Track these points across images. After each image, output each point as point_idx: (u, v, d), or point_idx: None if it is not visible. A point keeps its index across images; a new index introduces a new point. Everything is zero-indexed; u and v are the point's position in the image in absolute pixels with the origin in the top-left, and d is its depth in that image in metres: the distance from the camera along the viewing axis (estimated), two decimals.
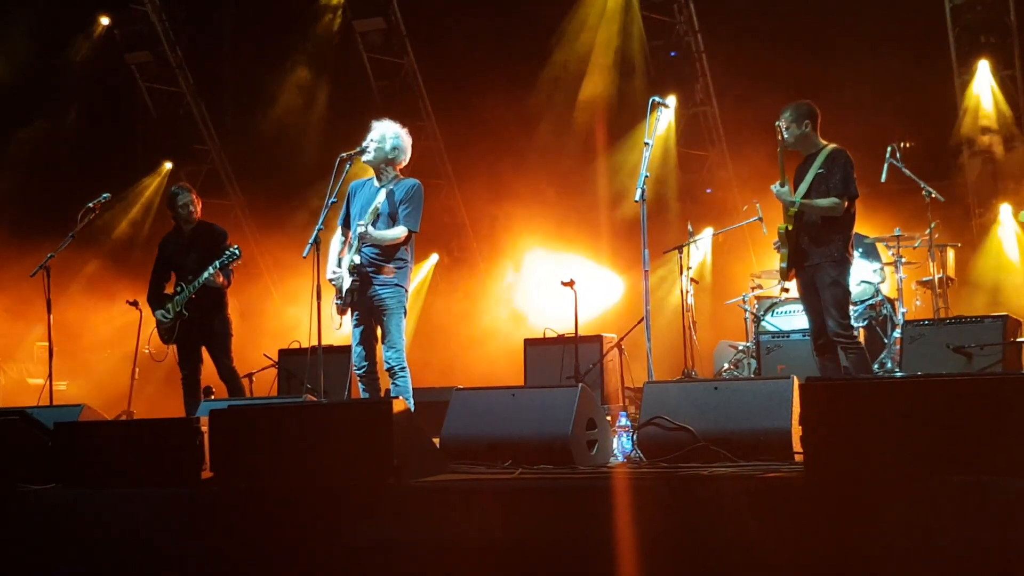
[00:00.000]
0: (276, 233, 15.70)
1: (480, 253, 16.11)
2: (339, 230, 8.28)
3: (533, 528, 5.42)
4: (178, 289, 9.42)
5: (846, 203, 7.64)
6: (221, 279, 9.31)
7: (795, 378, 6.08)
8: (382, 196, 7.98)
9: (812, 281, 7.71)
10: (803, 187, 7.75)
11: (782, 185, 7.74)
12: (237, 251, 9.34)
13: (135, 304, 10.34)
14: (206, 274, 9.18)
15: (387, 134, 8.12)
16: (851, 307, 10.23)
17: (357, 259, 7.91)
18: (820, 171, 7.72)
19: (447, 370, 13.42)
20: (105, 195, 9.40)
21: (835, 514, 4.91)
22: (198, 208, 9.61)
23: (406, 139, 8.22)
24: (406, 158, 8.23)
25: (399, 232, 7.93)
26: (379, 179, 8.17)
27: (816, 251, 7.67)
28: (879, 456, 4.98)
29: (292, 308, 15.60)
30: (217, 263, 9.21)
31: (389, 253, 7.97)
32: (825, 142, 7.89)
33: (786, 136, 7.83)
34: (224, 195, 16.95)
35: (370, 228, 7.77)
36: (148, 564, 6.04)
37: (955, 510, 4.69)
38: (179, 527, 6.10)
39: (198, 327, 9.39)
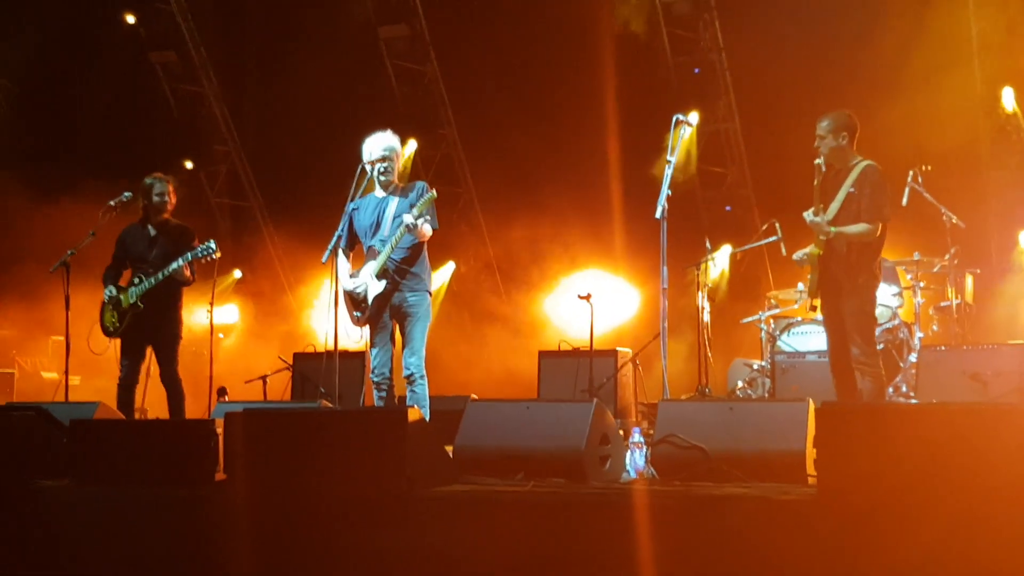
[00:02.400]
0: (294, 235, 15.75)
1: (497, 262, 16.13)
2: (341, 252, 8.22)
3: (544, 542, 5.43)
4: (135, 280, 9.05)
5: (879, 227, 7.38)
6: (188, 273, 9.00)
7: (810, 401, 6.07)
8: (394, 203, 8.03)
9: (838, 305, 7.46)
10: (834, 206, 7.45)
11: (816, 214, 7.39)
12: (213, 246, 9.01)
13: None
14: (175, 264, 8.89)
15: (394, 146, 8.17)
16: None
17: (386, 264, 7.93)
18: (851, 190, 7.41)
19: (461, 378, 13.43)
20: (127, 193, 9.36)
21: (847, 538, 4.91)
22: (173, 201, 9.28)
23: (402, 150, 8.35)
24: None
25: (428, 230, 7.96)
26: (384, 188, 8.17)
27: (844, 276, 7.41)
28: (893, 482, 4.97)
29: (308, 311, 15.67)
30: (190, 255, 8.91)
31: (414, 259, 8.01)
32: (860, 157, 7.55)
33: (821, 147, 7.52)
34: (243, 196, 17.03)
35: (419, 221, 7.77)
36: (158, 564, 6.06)
37: (966, 538, 4.69)
38: (191, 528, 6.12)
39: (150, 323, 9.03)
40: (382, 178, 8.11)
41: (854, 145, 7.56)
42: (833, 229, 7.35)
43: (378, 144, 8.13)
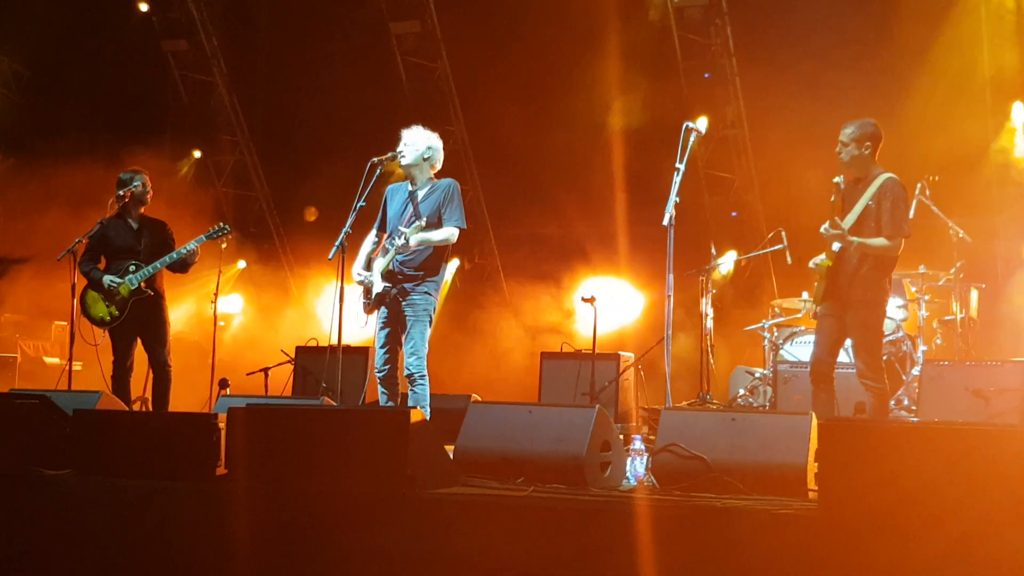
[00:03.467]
0: (300, 229, 15.78)
1: (501, 260, 16.13)
2: (373, 232, 8.32)
3: (543, 548, 5.43)
4: (131, 268, 9.11)
5: (901, 244, 7.26)
6: (197, 257, 9.26)
7: (813, 414, 6.08)
8: (416, 200, 8.07)
9: (840, 314, 7.37)
10: (850, 218, 7.32)
11: (833, 226, 7.22)
12: (227, 227, 9.39)
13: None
14: (193, 244, 9.11)
15: (419, 138, 8.21)
16: None
17: (391, 267, 7.97)
18: (870, 203, 7.29)
19: (462, 376, 13.44)
20: (136, 183, 9.40)
21: (847, 554, 4.92)
22: (151, 193, 9.44)
23: (438, 142, 8.33)
24: (440, 161, 8.32)
25: (448, 233, 8.04)
26: (413, 183, 8.23)
27: (853, 289, 7.31)
28: (894, 498, 4.97)
29: (312, 304, 15.68)
30: (204, 236, 9.20)
31: (423, 261, 8.03)
32: (881, 169, 7.44)
33: (842, 154, 7.40)
34: (250, 187, 17.05)
35: (411, 238, 7.85)
36: (158, 556, 6.08)
37: (965, 557, 4.69)
38: (190, 522, 6.14)
39: (142, 311, 9.17)
40: (408, 170, 8.22)
41: (876, 156, 7.45)
42: (856, 239, 7.23)
43: (402, 136, 8.21)
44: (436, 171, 8.30)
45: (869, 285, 7.32)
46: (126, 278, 9.09)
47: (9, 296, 14.46)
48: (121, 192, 9.24)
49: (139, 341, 9.26)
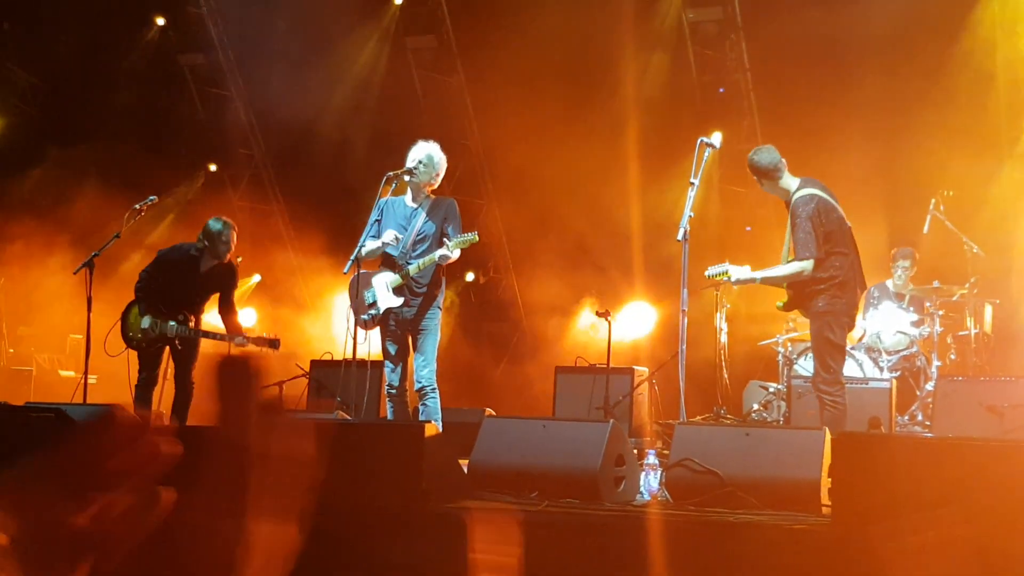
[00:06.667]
0: (315, 241, 15.80)
1: (516, 274, 16.15)
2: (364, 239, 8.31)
3: (556, 562, 5.43)
4: (180, 317, 9.20)
5: (809, 264, 7.25)
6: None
7: (827, 430, 6.08)
8: (421, 219, 8.11)
9: (810, 330, 7.59)
10: (785, 248, 7.53)
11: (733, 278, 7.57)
12: (278, 343, 9.39)
13: None
14: (240, 339, 9.20)
15: (434, 157, 8.24)
16: (887, 356, 10.25)
17: (402, 281, 8.03)
18: (789, 227, 7.40)
19: (476, 390, 13.45)
20: (152, 197, 9.45)
21: (860, 570, 4.91)
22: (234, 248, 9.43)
23: (445, 164, 8.35)
24: (440, 181, 8.35)
25: (458, 250, 8.08)
26: (414, 199, 8.26)
27: (806, 302, 7.45)
28: (907, 514, 4.97)
29: (326, 318, 15.71)
30: (249, 340, 9.23)
31: (430, 276, 8.09)
32: (797, 186, 7.50)
33: (764, 188, 7.57)
34: (265, 201, 17.08)
35: (453, 253, 7.94)
36: (171, 568, 6.09)
37: (978, 574, 4.69)
38: (204, 533, 6.14)
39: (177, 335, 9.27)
40: (413, 185, 8.24)
41: (786, 172, 7.59)
42: (757, 276, 7.54)
43: (411, 153, 8.23)
44: (433, 188, 8.35)
45: (817, 296, 7.43)
46: (168, 323, 9.14)
47: (25, 309, 14.53)
48: (203, 239, 9.21)
49: (167, 352, 9.31)
